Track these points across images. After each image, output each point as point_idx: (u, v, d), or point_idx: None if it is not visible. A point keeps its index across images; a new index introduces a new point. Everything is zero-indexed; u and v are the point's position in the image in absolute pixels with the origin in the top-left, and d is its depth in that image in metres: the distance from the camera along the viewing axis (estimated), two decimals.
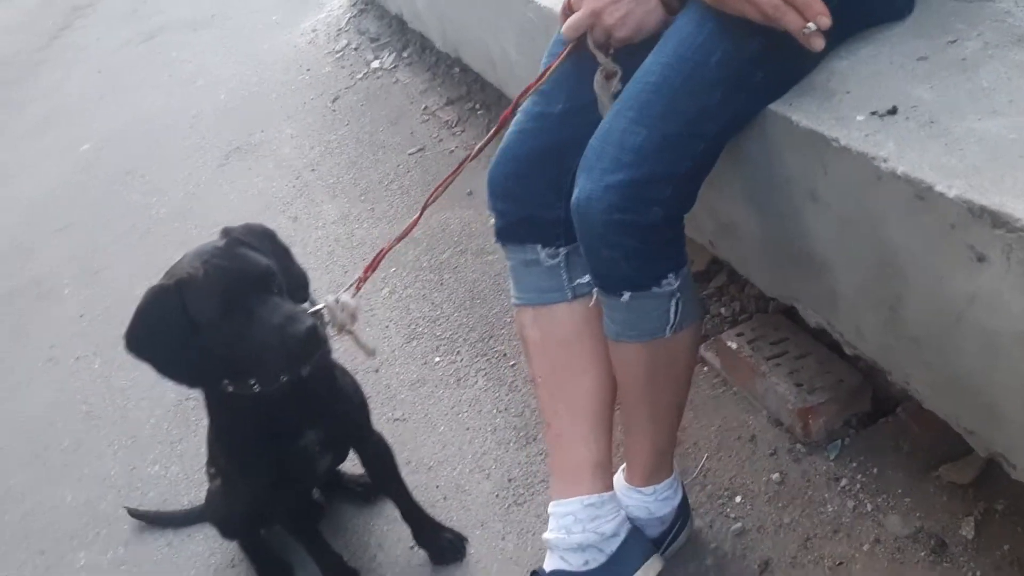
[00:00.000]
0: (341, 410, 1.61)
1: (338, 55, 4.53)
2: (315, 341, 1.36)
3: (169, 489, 2.19)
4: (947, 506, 1.48)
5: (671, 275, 1.28)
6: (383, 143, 3.54)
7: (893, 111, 1.16)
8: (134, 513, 2.09)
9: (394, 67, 4.17)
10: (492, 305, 2.40)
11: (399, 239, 1.56)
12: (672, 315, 1.30)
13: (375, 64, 4.28)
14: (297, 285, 1.51)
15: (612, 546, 1.46)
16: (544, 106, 1.40)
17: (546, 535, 1.49)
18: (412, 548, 1.79)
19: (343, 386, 1.62)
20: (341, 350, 1.66)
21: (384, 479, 1.74)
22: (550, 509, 1.50)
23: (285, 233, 1.61)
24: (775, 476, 1.64)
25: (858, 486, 1.57)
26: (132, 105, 4.77)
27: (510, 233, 1.45)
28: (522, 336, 1.51)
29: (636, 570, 1.46)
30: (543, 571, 1.48)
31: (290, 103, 4.19)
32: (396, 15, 4.14)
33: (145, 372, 2.77)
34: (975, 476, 1.47)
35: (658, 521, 1.53)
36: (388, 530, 1.86)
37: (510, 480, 1.87)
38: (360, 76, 4.22)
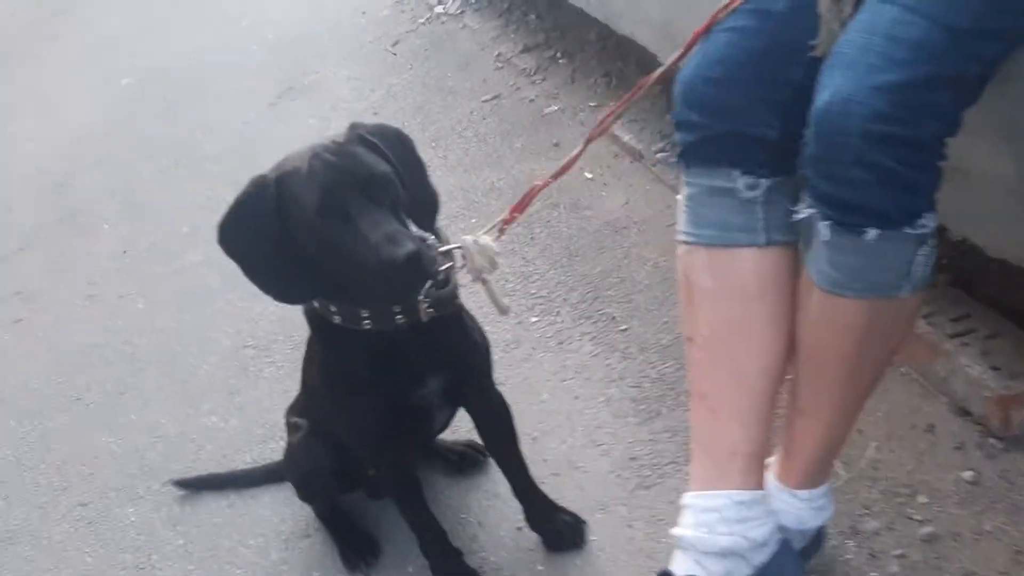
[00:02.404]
0: (468, 357, 1.37)
1: None
2: (415, 271, 1.13)
3: (228, 444, 1.95)
4: None
5: (928, 215, 1.03)
6: (452, 89, 3.28)
7: None
8: (184, 483, 1.84)
9: (460, 12, 3.90)
10: (593, 263, 2.15)
11: (557, 175, 1.32)
12: (915, 268, 1.05)
13: (439, 9, 4.01)
14: (423, 207, 1.27)
15: (760, 557, 1.21)
16: (762, 1, 1.14)
17: (679, 530, 1.24)
18: (520, 529, 1.55)
19: (471, 330, 1.38)
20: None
21: (500, 444, 1.49)
22: (687, 500, 1.25)
23: None
24: (966, 475, 1.39)
25: None
26: (175, 42, 4.51)
27: (700, 152, 1.18)
28: (687, 281, 1.25)
29: None
30: (671, 573, 1.23)
31: (345, 46, 3.94)
32: None
33: (195, 314, 2.60)
34: None
35: (801, 535, 1.29)
36: (489, 506, 1.62)
37: (632, 459, 1.63)
38: (423, 21, 3.96)
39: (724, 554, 1.20)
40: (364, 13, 4.21)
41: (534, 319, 2.04)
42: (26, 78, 4.63)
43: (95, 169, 3.46)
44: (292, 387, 2.05)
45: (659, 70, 1.22)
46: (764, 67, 1.13)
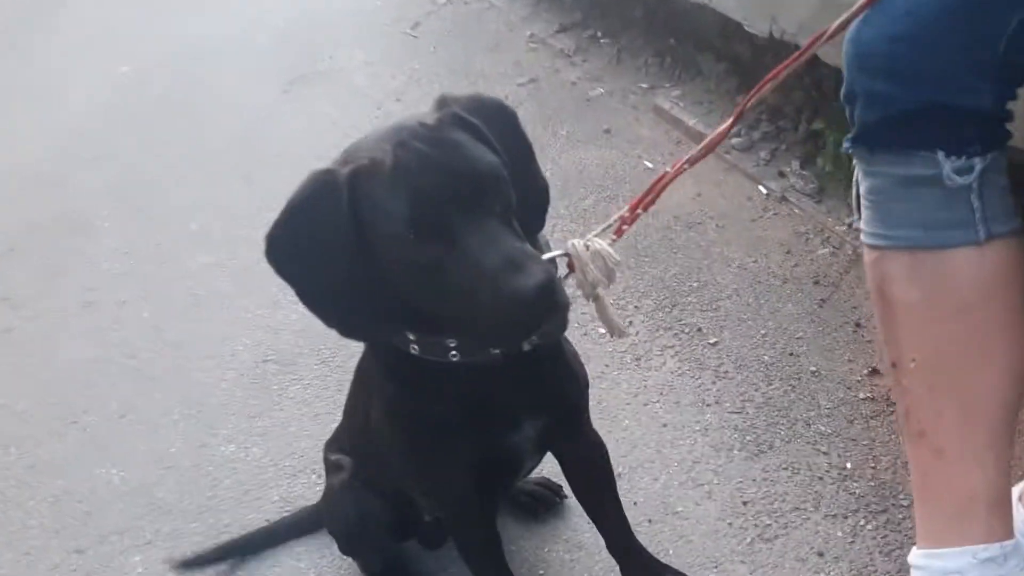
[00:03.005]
0: (569, 393, 1.09)
1: None
2: (549, 306, 0.84)
3: (251, 477, 1.67)
4: None
5: None
6: (482, 72, 3.01)
7: None
8: (191, 563, 1.49)
9: None
10: (667, 265, 1.87)
11: (696, 159, 1.04)
12: None
13: None
14: (534, 205, 0.99)
15: None
16: None
17: None
18: None
19: (572, 359, 1.10)
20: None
21: (596, 492, 1.22)
22: (917, 560, 1.01)
23: None
24: None
25: None
26: (176, 30, 4.24)
27: (890, 132, 0.90)
28: (882, 294, 0.98)
29: None
30: None
31: (360, 29, 3.67)
32: None
33: (209, 325, 2.30)
34: None
35: None
36: (572, 561, 1.35)
37: (745, 503, 1.35)
38: (444, 1, 3.69)
39: None
40: None
41: (602, 330, 1.75)
42: (18, 69, 4.34)
43: (92, 164, 3.17)
44: (322, 410, 1.79)
45: (840, 20, 0.93)
46: (969, 15, 0.85)
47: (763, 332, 1.64)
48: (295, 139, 2.91)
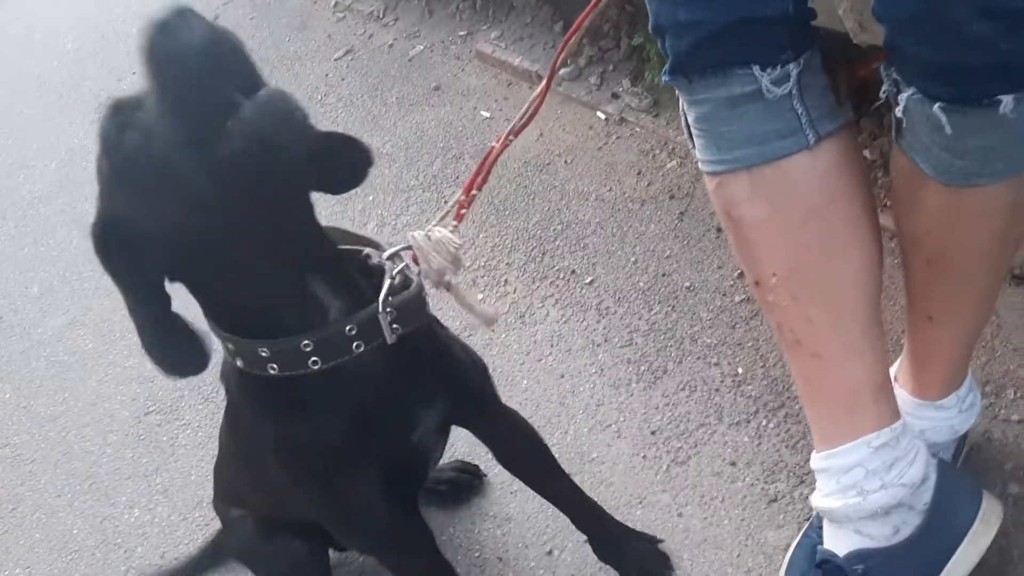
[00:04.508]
0: (460, 376, 1.06)
1: None
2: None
3: (163, 538, 1.60)
4: None
5: None
6: (296, 55, 2.89)
7: None
8: None
9: None
10: (527, 214, 1.86)
11: (518, 129, 1.03)
12: None
13: None
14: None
15: (925, 497, 1.00)
16: None
17: (822, 502, 1.03)
18: (550, 553, 1.29)
19: (451, 343, 1.07)
20: None
21: (537, 469, 1.20)
22: (819, 463, 1.03)
23: None
24: None
25: None
26: None
27: (703, 56, 0.89)
28: (732, 218, 0.98)
29: (973, 521, 1.02)
30: (833, 556, 1.01)
31: None
32: None
33: (77, 389, 2.19)
34: None
35: (953, 444, 1.09)
36: (504, 535, 1.35)
37: (653, 433, 1.38)
38: None
39: (885, 511, 0.99)
40: None
41: (480, 295, 1.74)
42: None
43: None
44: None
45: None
46: None
47: (633, 259, 1.66)
48: None
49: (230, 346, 0.91)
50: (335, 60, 2.74)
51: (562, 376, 1.52)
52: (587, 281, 1.66)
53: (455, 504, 1.41)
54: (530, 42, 2.25)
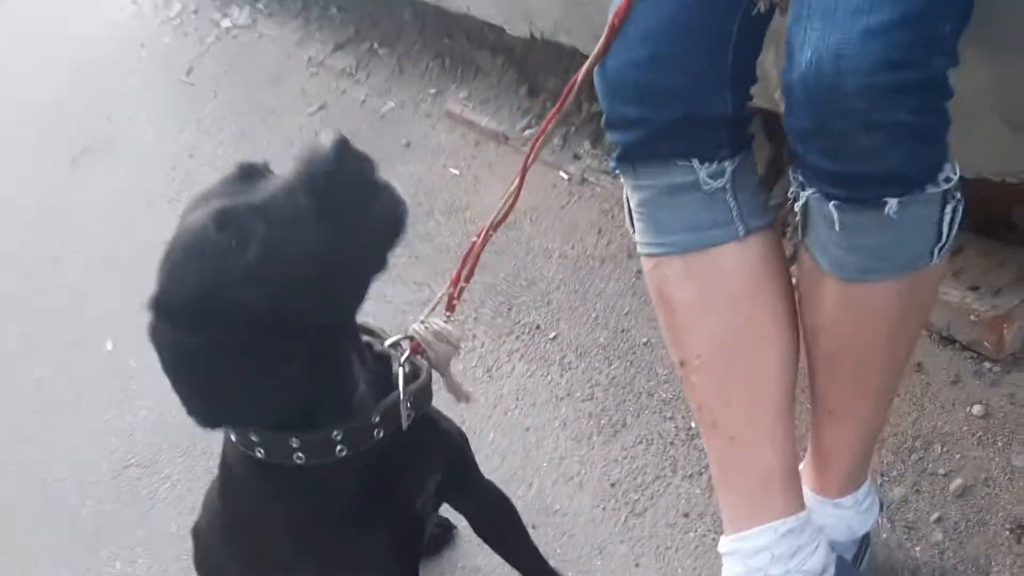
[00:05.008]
0: (452, 448, 1.13)
1: (175, 22, 3.86)
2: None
3: None
4: None
5: (947, 164, 0.88)
6: (271, 108, 2.98)
7: None
8: None
9: (252, 22, 3.56)
10: (495, 270, 1.95)
11: (498, 223, 1.11)
12: (946, 228, 0.91)
13: (226, 23, 3.65)
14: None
15: None
16: None
17: None
18: None
19: (441, 418, 1.14)
20: None
21: (511, 540, 1.27)
22: (727, 547, 1.09)
23: None
24: (975, 409, 1.31)
25: None
26: None
27: (647, 149, 0.99)
28: (663, 298, 1.07)
29: None
30: None
31: (133, 85, 3.53)
32: None
33: (56, 442, 2.24)
34: None
35: (852, 544, 1.17)
36: None
37: (613, 485, 1.47)
38: (211, 40, 3.59)
39: None
40: (143, 45, 3.79)
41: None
42: None
43: None
44: (198, 502, 1.70)
45: (586, 65, 1.01)
46: (699, 33, 0.95)
47: (594, 315, 1.75)
48: (95, 214, 2.81)
49: (254, 438, 0.95)
50: (309, 115, 2.83)
51: (527, 429, 1.61)
52: (551, 336, 1.75)
53: (427, 556, 1.48)
54: (496, 104, 2.35)
